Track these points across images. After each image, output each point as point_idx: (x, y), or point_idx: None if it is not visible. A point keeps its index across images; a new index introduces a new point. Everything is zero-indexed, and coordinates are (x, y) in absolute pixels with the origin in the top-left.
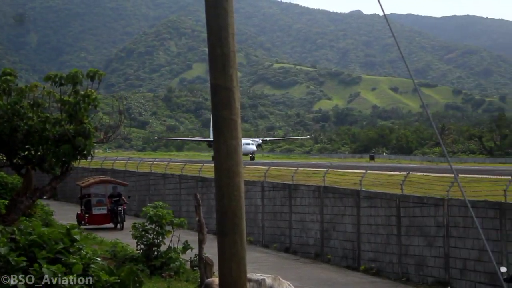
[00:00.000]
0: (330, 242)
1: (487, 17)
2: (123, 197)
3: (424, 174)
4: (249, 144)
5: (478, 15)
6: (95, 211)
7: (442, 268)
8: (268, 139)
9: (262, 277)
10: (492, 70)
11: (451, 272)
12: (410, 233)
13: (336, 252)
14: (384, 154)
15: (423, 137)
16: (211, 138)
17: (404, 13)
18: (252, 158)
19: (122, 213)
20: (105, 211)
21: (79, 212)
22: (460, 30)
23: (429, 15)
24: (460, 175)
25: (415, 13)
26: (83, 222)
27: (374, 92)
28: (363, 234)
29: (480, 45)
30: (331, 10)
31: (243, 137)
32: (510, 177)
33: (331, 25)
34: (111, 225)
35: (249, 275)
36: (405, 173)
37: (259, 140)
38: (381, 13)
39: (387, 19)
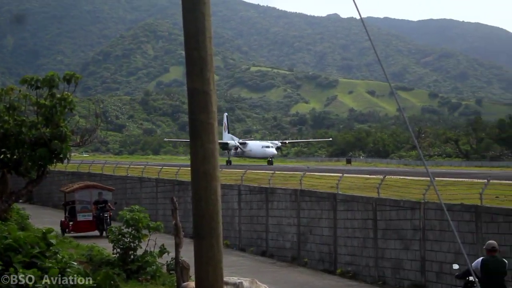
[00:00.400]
0: (307, 245)
1: (463, 21)
2: (109, 203)
3: (401, 177)
4: (268, 147)
5: (455, 19)
6: (80, 217)
7: (418, 271)
8: (287, 141)
9: (239, 281)
10: (468, 73)
11: (427, 275)
12: (387, 237)
13: (313, 256)
14: (361, 157)
15: (400, 140)
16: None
17: (381, 16)
18: (271, 163)
19: (108, 220)
20: (90, 218)
21: (63, 219)
22: (437, 33)
23: (406, 19)
24: (436, 178)
25: (392, 17)
26: (67, 230)
27: (351, 96)
28: (339, 237)
29: (456, 49)
30: (308, 14)
31: (256, 140)
32: (485, 181)
33: (308, 28)
34: (96, 232)
35: (225, 279)
36: (381, 177)
37: (278, 143)
38: (358, 17)
39: (363, 23)
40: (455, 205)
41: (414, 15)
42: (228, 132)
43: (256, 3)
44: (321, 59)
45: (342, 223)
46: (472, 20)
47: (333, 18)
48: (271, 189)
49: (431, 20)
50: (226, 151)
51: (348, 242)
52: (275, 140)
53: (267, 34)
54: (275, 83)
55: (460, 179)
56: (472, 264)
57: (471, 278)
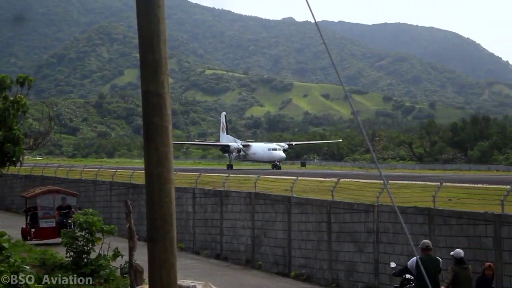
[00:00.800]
0: (261, 248)
1: (417, 25)
2: (73, 209)
3: (355, 180)
4: (275, 149)
5: (409, 23)
6: (42, 224)
7: (372, 274)
8: (294, 143)
9: (193, 284)
10: (422, 77)
11: (381, 277)
12: (341, 239)
13: (267, 258)
14: (315, 160)
15: (354, 143)
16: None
17: (336, 20)
18: (278, 167)
19: (72, 227)
20: (53, 224)
21: (24, 226)
22: (391, 37)
23: (360, 23)
24: (390, 181)
25: (347, 21)
26: (28, 237)
27: (305, 99)
28: (294, 240)
29: (410, 53)
30: (264, 17)
31: (255, 141)
32: (438, 184)
33: (264, 32)
34: (59, 240)
35: (179, 282)
36: (336, 180)
37: (285, 145)
38: (313, 20)
39: (318, 27)
40: (409, 207)
41: (369, 19)
42: (227, 133)
43: (212, 6)
44: (276, 62)
45: (296, 226)
46: (426, 25)
47: (288, 22)
48: (226, 192)
49: (386, 24)
50: (227, 154)
51: (302, 245)
52: (281, 142)
53: (222, 37)
54: (230, 86)
55: (414, 182)
56: (408, 263)
57: (407, 276)
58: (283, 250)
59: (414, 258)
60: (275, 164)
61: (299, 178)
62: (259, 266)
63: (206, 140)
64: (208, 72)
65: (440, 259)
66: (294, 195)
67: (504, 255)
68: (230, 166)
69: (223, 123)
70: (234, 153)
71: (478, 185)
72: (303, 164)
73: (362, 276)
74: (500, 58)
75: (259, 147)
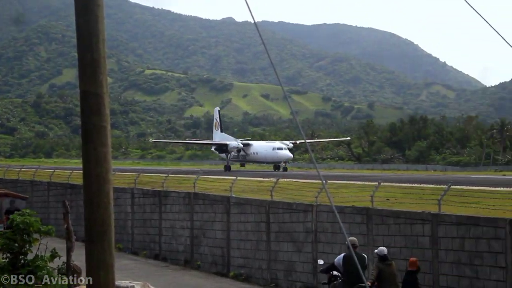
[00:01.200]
0: (200, 248)
1: (356, 26)
2: None
3: (294, 180)
4: (281, 148)
5: (348, 23)
6: None
7: (310, 273)
8: (298, 141)
9: (131, 284)
10: (361, 77)
11: (319, 277)
12: (280, 239)
13: (206, 259)
14: None
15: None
16: (217, 141)
17: (276, 20)
18: (284, 169)
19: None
20: (1, 229)
21: None
22: (330, 38)
23: (300, 23)
24: (329, 181)
25: (287, 21)
26: None
27: (245, 99)
28: (233, 240)
29: (349, 53)
30: (204, 17)
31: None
32: (376, 183)
33: (203, 31)
34: None
35: (117, 283)
36: (275, 180)
37: (290, 144)
38: (252, 21)
39: (257, 27)
40: (347, 207)
41: (308, 19)
42: (221, 131)
43: (151, 6)
44: (216, 62)
45: (235, 226)
46: (365, 25)
47: (228, 22)
48: (165, 192)
49: (325, 24)
50: (224, 154)
51: (241, 245)
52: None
53: (162, 37)
54: (170, 86)
55: (352, 182)
56: (335, 260)
57: (334, 272)
58: (222, 250)
59: (341, 255)
60: (277, 166)
61: (238, 178)
62: (198, 266)
63: (145, 140)
64: (147, 72)
65: (366, 256)
66: (233, 195)
67: (441, 254)
68: (228, 168)
69: (216, 120)
70: (233, 153)
71: (416, 185)
72: (242, 164)
73: (300, 276)
74: (438, 59)
75: (261, 147)
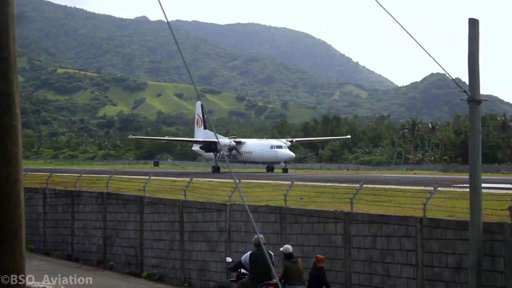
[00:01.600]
0: (113, 248)
1: (270, 26)
2: None
3: (208, 180)
4: (280, 147)
5: (262, 23)
6: None
7: (223, 273)
8: (294, 139)
9: (43, 286)
10: (275, 77)
11: (231, 276)
12: (193, 239)
13: (119, 259)
14: (169, 160)
15: None
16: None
17: (190, 20)
18: (285, 170)
19: None
20: None
21: None
22: (244, 38)
23: (214, 23)
24: (243, 180)
25: (201, 20)
26: None
27: (159, 98)
28: (146, 240)
29: (263, 53)
30: (117, 16)
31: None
32: (290, 182)
33: (117, 30)
34: None
35: (29, 284)
36: (188, 179)
37: (287, 142)
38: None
39: (170, 26)
40: (261, 206)
41: (222, 19)
42: (205, 128)
43: (64, 4)
44: (129, 61)
45: (149, 225)
46: (279, 25)
47: (142, 21)
48: (77, 192)
49: (239, 24)
50: (213, 153)
51: (155, 245)
52: (276, 138)
53: (75, 35)
54: (83, 85)
55: (267, 181)
56: (242, 258)
57: (242, 270)
58: (135, 250)
59: (248, 253)
60: (271, 167)
61: (152, 177)
62: (111, 267)
63: (57, 140)
64: (60, 70)
65: (272, 254)
66: (147, 195)
67: (353, 252)
68: (216, 169)
69: (198, 115)
70: (223, 152)
71: (329, 184)
72: (156, 164)
73: (214, 275)
74: (351, 59)
75: (255, 145)
